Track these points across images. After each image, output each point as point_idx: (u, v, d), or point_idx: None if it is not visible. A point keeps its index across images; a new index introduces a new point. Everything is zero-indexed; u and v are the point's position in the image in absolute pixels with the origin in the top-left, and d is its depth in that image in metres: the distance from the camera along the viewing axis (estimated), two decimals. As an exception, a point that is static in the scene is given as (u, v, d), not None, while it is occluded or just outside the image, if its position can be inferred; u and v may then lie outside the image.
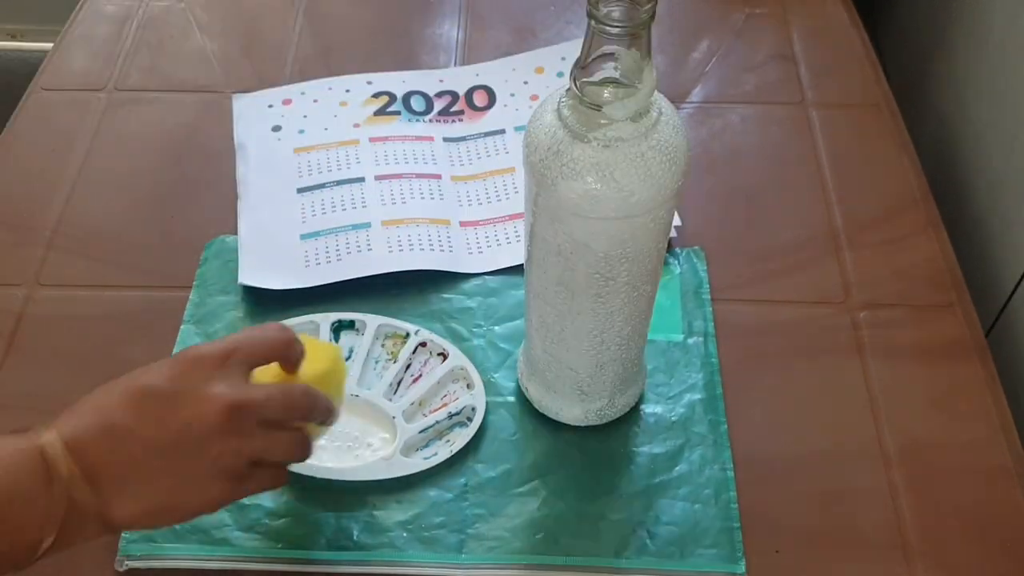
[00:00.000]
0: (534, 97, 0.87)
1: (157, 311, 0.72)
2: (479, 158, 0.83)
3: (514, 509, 0.62)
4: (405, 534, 0.61)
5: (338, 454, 0.64)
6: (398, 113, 0.86)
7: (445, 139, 0.84)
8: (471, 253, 0.76)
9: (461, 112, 0.87)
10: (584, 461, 0.64)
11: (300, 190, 0.80)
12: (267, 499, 0.62)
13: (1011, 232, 0.79)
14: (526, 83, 0.89)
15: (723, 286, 0.73)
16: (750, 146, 0.85)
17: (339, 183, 0.80)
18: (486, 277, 0.74)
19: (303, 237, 0.76)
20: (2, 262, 0.76)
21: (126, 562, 0.59)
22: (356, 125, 0.85)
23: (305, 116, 0.86)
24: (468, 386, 0.67)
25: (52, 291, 0.74)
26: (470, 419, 0.65)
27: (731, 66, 0.91)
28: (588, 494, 0.63)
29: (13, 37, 1.66)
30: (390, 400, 0.66)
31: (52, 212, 0.79)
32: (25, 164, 0.84)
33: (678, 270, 0.74)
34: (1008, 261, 0.78)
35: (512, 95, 0.88)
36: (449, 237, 0.76)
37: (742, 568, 0.59)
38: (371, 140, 0.83)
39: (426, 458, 0.63)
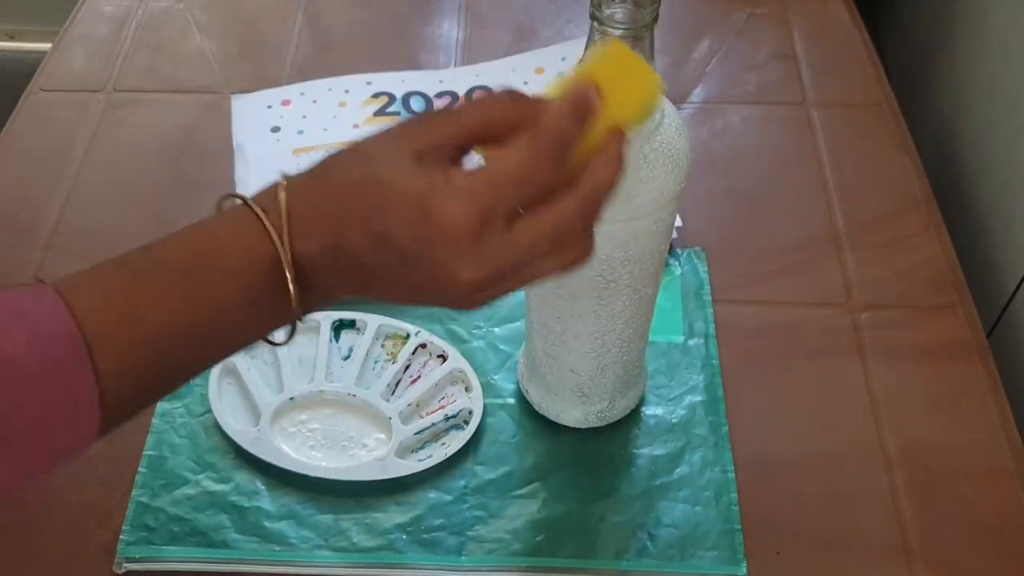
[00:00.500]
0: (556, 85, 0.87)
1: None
2: (479, 159, 0.82)
3: (514, 511, 0.62)
4: (405, 536, 0.60)
5: (333, 454, 0.64)
6: (397, 114, 0.86)
7: (445, 139, 0.84)
8: (471, 254, 0.75)
9: (461, 112, 0.86)
10: (584, 463, 0.64)
11: (299, 191, 0.79)
12: (266, 501, 0.62)
13: (1013, 232, 0.78)
14: (526, 83, 0.89)
15: (724, 287, 0.73)
16: (751, 146, 0.85)
17: (338, 184, 0.79)
18: (486, 278, 0.74)
19: (302, 238, 0.76)
20: (0, 264, 0.76)
21: (124, 564, 0.59)
22: (355, 126, 0.85)
23: (304, 117, 0.86)
24: (466, 389, 0.67)
25: (50, 292, 0.73)
26: (467, 422, 0.65)
27: (732, 66, 0.91)
28: (588, 496, 0.62)
29: (11, 38, 1.66)
30: (387, 401, 0.66)
31: (50, 213, 0.79)
32: (23, 165, 0.84)
33: (679, 271, 0.74)
34: (1009, 262, 0.78)
35: (512, 95, 0.88)
36: (449, 238, 0.76)
37: (743, 570, 0.59)
38: (370, 141, 0.83)
39: (421, 460, 0.63)
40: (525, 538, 0.61)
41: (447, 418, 0.65)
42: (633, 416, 0.66)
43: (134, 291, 0.41)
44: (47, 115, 0.88)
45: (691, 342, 0.70)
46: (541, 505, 0.62)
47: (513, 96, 0.43)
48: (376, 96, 0.87)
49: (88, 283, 0.41)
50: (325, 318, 0.70)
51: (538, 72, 0.90)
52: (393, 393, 0.67)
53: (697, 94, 0.89)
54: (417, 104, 0.87)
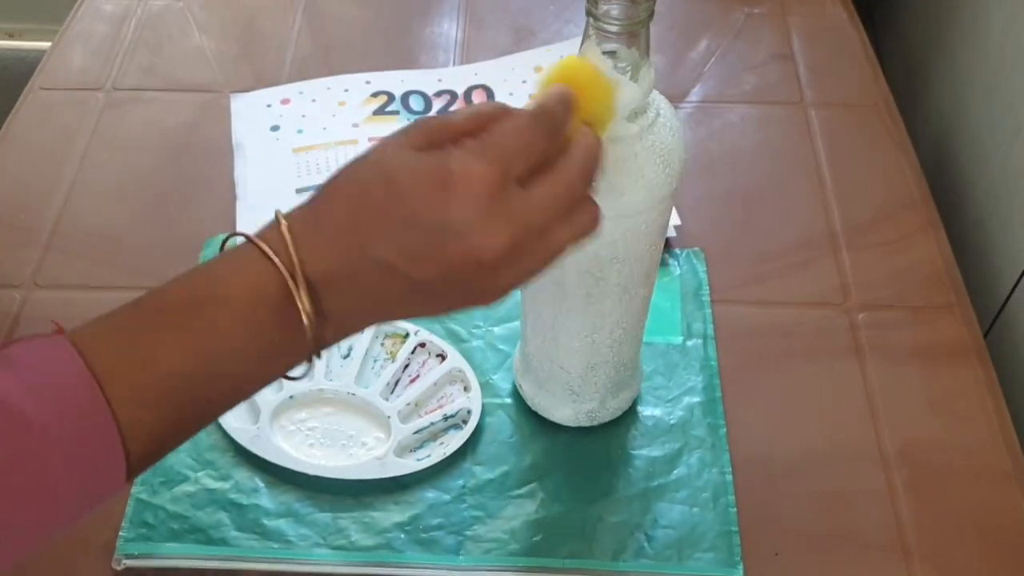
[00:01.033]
0: (533, 96, 0.87)
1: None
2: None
3: (512, 511, 0.62)
4: (403, 535, 0.61)
5: (332, 452, 0.64)
6: (397, 113, 0.86)
7: (444, 139, 0.84)
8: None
9: (460, 112, 0.86)
10: (582, 464, 0.64)
11: (299, 190, 0.79)
12: (265, 499, 0.62)
13: (1010, 232, 0.79)
14: (524, 82, 0.89)
15: (722, 287, 0.73)
16: (749, 146, 0.85)
17: (337, 183, 0.80)
18: (484, 277, 0.74)
19: (301, 237, 0.76)
20: (0, 263, 0.76)
21: (124, 561, 0.59)
22: (355, 125, 0.85)
23: (304, 116, 0.86)
24: (465, 388, 0.67)
25: (49, 292, 0.73)
26: (465, 422, 0.65)
27: (730, 66, 0.91)
28: (586, 497, 0.62)
29: (11, 36, 1.65)
30: (386, 400, 0.66)
31: (49, 212, 0.79)
32: (22, 164, 0.84)
33: (678, 271, 0.74)
34: (1006, 262, 0.78)
35: (511, 94, 0.88)
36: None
37: (740, 572, 0.59)
38: (370, 140, 0.83)
39: (419, 459, 0.63)
40: (523, 538, 0.61)
41: (446, 417, 0.65)
42: (631, 417, 0.66)
43: (145, 338, 0.41)
44: (47, 114, 0.88)
45: (689, 343, 0.70)
46: (539, 505, 0.62)
47: (502, 104, 0.45)
48: (375, 95, 0.87)
49: (103, 333, 0.41)
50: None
51: (537, 71, 0.90)
52: (392, 392, 0.67)
53: (695, 93, 0.89)
54: (416, 103, 0.87)
